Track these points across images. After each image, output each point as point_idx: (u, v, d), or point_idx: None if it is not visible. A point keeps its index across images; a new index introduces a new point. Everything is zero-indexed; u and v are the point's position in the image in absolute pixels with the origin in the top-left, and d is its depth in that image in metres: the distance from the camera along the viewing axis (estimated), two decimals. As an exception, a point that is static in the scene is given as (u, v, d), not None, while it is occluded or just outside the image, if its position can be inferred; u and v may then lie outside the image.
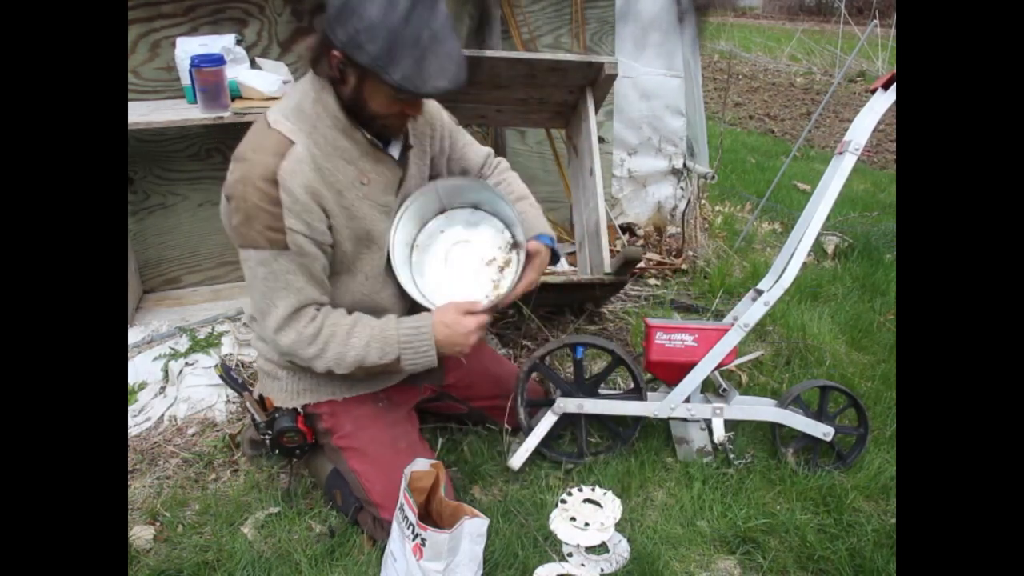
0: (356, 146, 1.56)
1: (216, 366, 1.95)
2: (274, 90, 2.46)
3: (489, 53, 2.42)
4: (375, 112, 1.52)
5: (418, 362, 1.60)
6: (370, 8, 1.35)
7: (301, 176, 1.46)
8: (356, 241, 1.60)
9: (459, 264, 1.77)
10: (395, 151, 1.65)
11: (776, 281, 1.91)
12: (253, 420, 1.75)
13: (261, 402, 1.76)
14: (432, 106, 1.75)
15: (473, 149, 1.86)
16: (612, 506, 1.66)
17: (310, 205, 1.48)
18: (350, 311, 1.62)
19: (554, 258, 1.81)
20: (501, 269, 1.75)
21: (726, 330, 1.93)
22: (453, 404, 2.00)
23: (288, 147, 1.47)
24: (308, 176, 1.48)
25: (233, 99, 2.45)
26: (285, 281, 1.51)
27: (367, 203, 1.59)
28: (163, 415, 2.19)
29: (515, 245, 1.74)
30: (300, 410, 1.73)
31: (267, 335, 1.58)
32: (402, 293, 1.70)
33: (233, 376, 1.81)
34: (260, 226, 1.46)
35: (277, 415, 1.72)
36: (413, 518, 1.41)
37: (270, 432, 1.72)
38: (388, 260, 1.68)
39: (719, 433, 2.00)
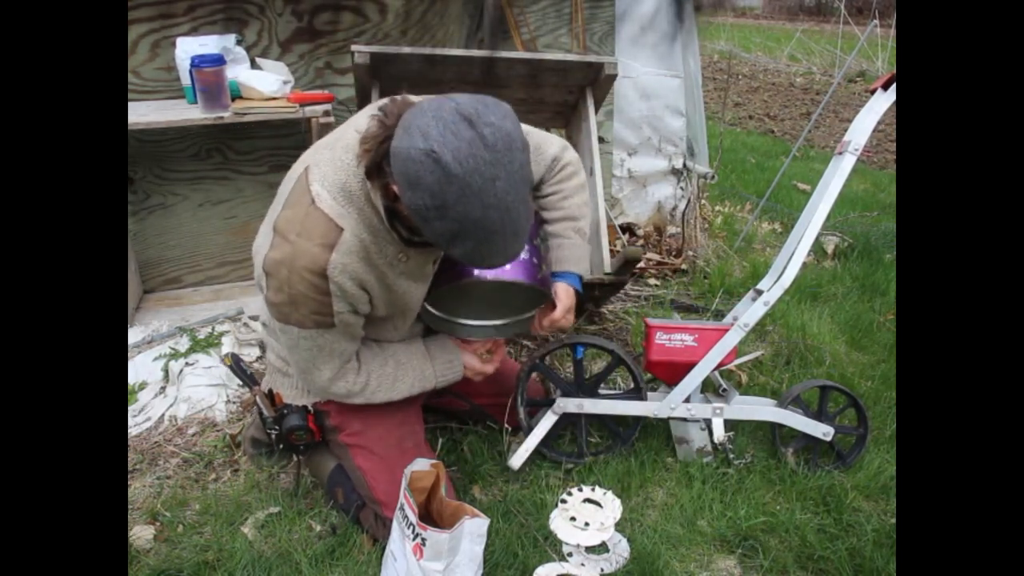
0: (395, 236, 1.49)
1: (226, 356, 1.93)
2: (274, 90, 2.45)
3: (489, 53, 2.41)
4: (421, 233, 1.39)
5: (448, 383, 1.75)
6: (447, 190, 1.17)
7: (351, 269, 1.43)
8: (391, 307, 1.61)
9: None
10: None
11: (776, 281, 1.91)
12: (260, 415, 1.73)
13: (270, 396, 1.76)
14: None
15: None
16: (612, 506, 1.66)
17: (357, 292, 1.47)
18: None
19: (577, 295, 1.75)
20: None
21: (726, 330, 1.93)
22: (455, 400, 2.00)
23: (337, 236, 1.40)
24: (357, 268, 1.44)
25: (233, 99, 2.45)
26: (330, 350, 1.54)
27: (403, 278, 1.56)
28: (163, 415, 2.19)
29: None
30: (311, 408, 1.73)
31: (313, 389, 1.67)
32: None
33: (243, 368, 1.81)
34: (306, 311, 1.45)
35: (287, 412, 1.71)
36: (413, 518, 1.41)
37: (277, 428, 1.71)
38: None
39: (719, 433, 2.00)
